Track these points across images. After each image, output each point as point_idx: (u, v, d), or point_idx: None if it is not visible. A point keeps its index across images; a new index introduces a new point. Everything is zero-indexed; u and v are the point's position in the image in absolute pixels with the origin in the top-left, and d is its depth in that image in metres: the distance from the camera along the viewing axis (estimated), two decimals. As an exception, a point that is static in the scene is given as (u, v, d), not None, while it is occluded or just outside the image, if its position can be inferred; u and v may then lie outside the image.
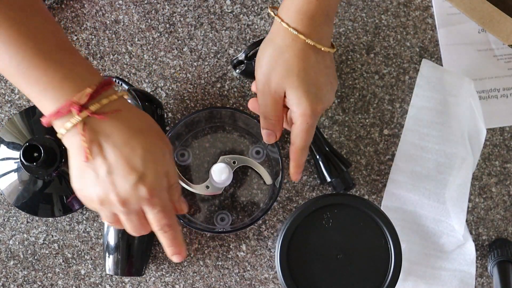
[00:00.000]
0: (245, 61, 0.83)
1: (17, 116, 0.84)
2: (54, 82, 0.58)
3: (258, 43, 0.82)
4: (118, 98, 0.60)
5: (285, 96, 0.71)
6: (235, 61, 0.84)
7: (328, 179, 0.84)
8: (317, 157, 0.84)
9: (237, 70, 0.86)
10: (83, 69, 0.60)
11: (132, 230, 0.65)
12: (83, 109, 0.58)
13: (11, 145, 0.82)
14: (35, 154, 0.77)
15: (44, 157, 0.76)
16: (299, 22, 0.68)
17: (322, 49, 0.69)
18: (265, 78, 0.71)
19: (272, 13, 0.71)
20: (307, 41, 0.68)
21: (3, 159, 0.82)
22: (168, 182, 0.64)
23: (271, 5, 0.88)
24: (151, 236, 0.83)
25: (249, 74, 0.85)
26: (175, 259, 0.66)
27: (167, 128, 0.86)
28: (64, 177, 0.81)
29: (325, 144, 0.84)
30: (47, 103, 0.59)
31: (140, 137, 0.60)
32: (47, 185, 0.81)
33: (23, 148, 0.76)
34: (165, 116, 0.86)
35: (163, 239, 0.65)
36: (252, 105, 0.78)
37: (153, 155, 0.61)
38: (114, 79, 0.84)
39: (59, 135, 0.60)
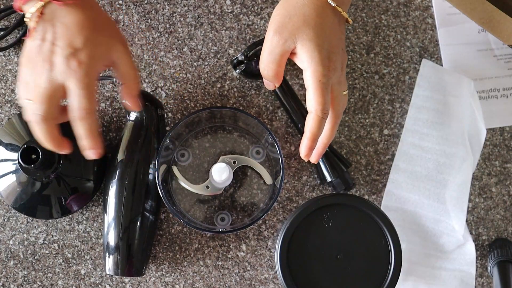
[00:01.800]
0: (245, 61, 0.83)
1: (15, 117, 0.84)
2: None
3: (258, 43, 0.82)
4: None
5: (294, 53, 0.70)
6: (235, 61, 0.84)
7: (328, 179, 0.84)
8: None
9: (237, 70, 0.86)
10: None
11: (41, 106, 0.65)
12: None
13: (9, 147, 0.82)
14: (33, 156, 0.77)
15: (42, 158, 0.76)
16: None
17: (342, 13, 0.70)
18: (279, 26, 0.69)
19: None
20: (328, 1, 0.69)
21: (1, 161, 0.82)
22: (111, 62, 0.68)
23: (271, 5, 0.88)
24: (151, 236, 0.83)
25: (249, 74, 0.85)
26: (90, 154, 0.67)
27: (167, 128, 0.86)
28: (62, 179, 0.81)
29: None
30: None
31: (90, 22, 0.66)
32: (45, 186, 0.81)
33: (21, 150, 0.76)
34: (165, 116, 0.86)
35: (81, 128, 0.66)
36: None
37: (96, 40, 0.66)
38: (114, 80, 0.84)
39: (26, 21, 0.66)
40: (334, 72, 0.69)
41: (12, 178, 0.82)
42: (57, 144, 0.67)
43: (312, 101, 0.68)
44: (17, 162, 0.77)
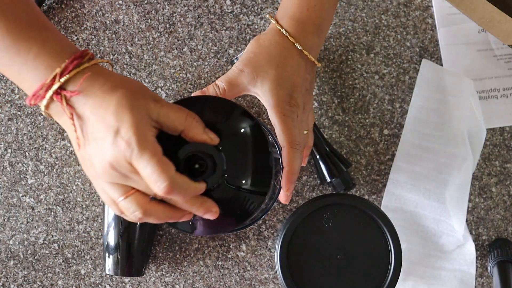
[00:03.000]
0: None
1: None
2: (27, 63, 0.57)
3: None
4: (90, 66, 0.58)
5: (257, 94, 0.71)
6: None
7: (328, 179, 0.84)
8: (317, 157, 0.84)
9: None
10: (56, 44, 0.58)
11: (137, 203, 0.58)
12: (57, 89, 0.56)
13: None
14: (196, 166, 0.64)
15: (211, 168, 0.63)
16: (291, 26, 0.71)
17: (308, 56, 0.72)
18: (246, 63, 0.71)
19: (268, 16, 0.74)
20: (295, 44, 0.71)
21: None
22: (155, 122, 0.58)
23: (271, 5, 0.88)
24: (151, 236, 0.83)
25: None
26: (210, 216, 0.61)
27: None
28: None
29: (325, 144, 0.84)
30: (25, 86, 0.58)
31: (112, 94, 0.57)
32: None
33: (183, 160, 0.63)
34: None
35: (176, 201, 0.58)
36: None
37: (127, 104, 0.56)
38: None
39: (43, 110, 0.58)
40: (297, 108, 0.71)
41: None
42: (203, 200, 0.61)
43: (281, 136, 0.70)
44: None
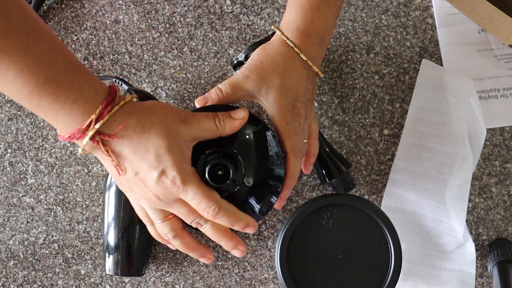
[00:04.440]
0: (245, 62, 0.83)
1: None
2: (65, 108, 0.60)
3: (259, 43, 0.82)
4: (120, 108, 0.62)
5: (261, 101, 0.73)
6: (235, 62, 0.84)
7: (328, 180, 0.84)
8: (317, 157, 0.84)
9: (237, 71, 0.85)
10: (90, 88, 0.61)
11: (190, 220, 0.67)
12: (89, 133, 0.61)
13: None
14: (219, 172, 0.70)
15: (234, 173, 0.69)
16: (296, 38, 0.73)
17: (313, 67, 0.74)
18: (251, 70, 0.73)
19: (274, 28, 0.75)
20: (300, 55, 0.73)
21: None
22: (191, 141, 0.66)
23: (271, 5, 0.88)
24: (151, 236, 0.83)
25: None
26: (237, 253, 0.70)
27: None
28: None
29: (325, 145, 0.84)
30: (61, 126, 0.62)
31: (146, 134, 0.63)
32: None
33: (208, 169, 0.68)
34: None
35: (222, 224, 0.67)
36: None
37: (164, 145, 0.63)
38: (114, 80, 0.84)
39: (80, 153, 0.64)
40: (299, 117, 0.73)
41: None
42: (233, 237, 0.69)
43: (283, 144, 0.73)
44: None
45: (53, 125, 0.63)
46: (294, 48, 0.73)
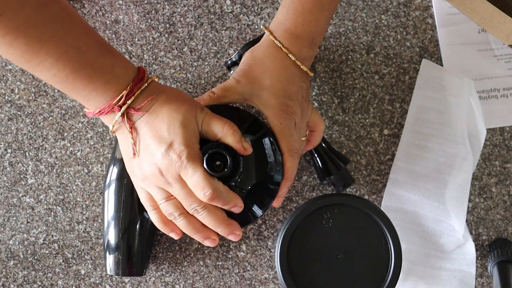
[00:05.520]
0: (239, 61, 0.83)
1: None
2: (98, 88, 0.64)
3: (252, 43, 0.82)
4: (148, 85, 0.66)
5: (248, 100, 0.74)
6: (229, 62, 0.84)
7: (327, 176, 0.84)
8: (315, 155, 0.84)
9: (231, 71, 0.86)
10: (121, 68, 0.65)
11: (190, 200, 0.67)
12: (122, 107, 0.65)
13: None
14: (217, 163, 0.71)
15: (231, 165, 0.70)
16: (285, 39, 0.74)
17: (301, 67, 0.74)
18: (241, 75, 0.74)
19: (263, 27, 0.75)
20: (289, 55, 0.73)
21: None
22: (197, 144, 0.67)
23: (271, 5, 0.88)
24: (151, 236, 0.83)
25: None
26: (232, 238, 0.70)
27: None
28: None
29: (322, 142, 0.84)
30: (91, 105, 0.66)
31: (164, 107, 0.66)
32: None
33: (206, 156, 0.69)
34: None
35: (209, 220, 0.68)
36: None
37: (179, 118, 0.66)
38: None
39: (111, 129, 0.67)
40: (294, 116, 0.74)
41: None
42: (229, 223, 0.70)
43: (279, 144, 0.73)
44: None
45: (83, 104, 0.66)
46: (283, 48, 0.73)
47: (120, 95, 0.65)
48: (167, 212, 0.69)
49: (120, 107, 0.65)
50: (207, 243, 0.71)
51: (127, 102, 0.65)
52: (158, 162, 0.65)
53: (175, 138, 0.65)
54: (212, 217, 0.68)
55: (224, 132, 0.68)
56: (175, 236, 0.72)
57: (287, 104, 0.73)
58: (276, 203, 0.75)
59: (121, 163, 0.80)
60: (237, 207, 0.69)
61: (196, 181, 0.65)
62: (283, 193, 0.75)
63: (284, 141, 0.73)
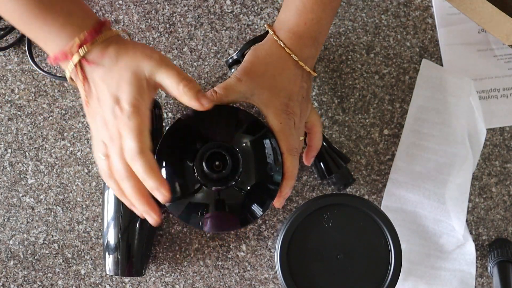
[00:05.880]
0: (241, 60, 0.83)
1: None
2: (53, 31, 0.65)
3: (253, 41, 0.82)
4: (107, 39, 0.66)
5: (254, 102, 0.74)
6: (230, 61, 0.84)
7: (327, 175, 0.84)
8: None
9: (232, 70, 0.85)
10: (79, 16, 0.66)
11: (118, 167, 0.66)
12: (74, 56, 0.65)
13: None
14: (217, 163, 0.71)
15: (230, 165, 0.70)
16: (288, 39, 0.73)
17: (304, 67, 0.74)
18: (243, 73, 0.74)
19: (266, 26, 0.75)
20: (292, 55, 0.73)
21: None
22: (148, 99, 0.67)
23: (271, 5, 0.88)
24: (151, 236, 0.83)
25: None
26: (158, 196, 0.65)
27: (166, 127, 0.86)
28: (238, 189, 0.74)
29: (323, 141, 0.84)
30: (48, 49, 0.67)
31: (117, 64, 0.66)
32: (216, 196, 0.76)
33: (206, 156, 0.70)
34: (165, 116, 0.86)
35: (135, 170, 0.65)
36: None
37: (128, 76, 0.65)
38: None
39: (68, 78, 0.68)
40: (294, 116, 0.74)
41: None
42: (148, 202, 0.66)
43: (279, 143, 0.73)
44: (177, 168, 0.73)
45: (43, 49, 0.67)
46: (286, 48, 0.73)
47: (72, 42, 0.65)
48: (117, 167, 0.66)
49: (73, 55, 0.65)
50: (148, 217, 0.67)
51: (79, 51, 0.65)
52: (106, 116, 0.66)
53: (121, 95, 0.65)
54: (135, 188, 0.66)
55: (179, 91, 0.66)
56: (119, 195, 0.69)
57: (287, 104, 0.73)
58: (278, 203, 0.75)
59: None
60: (161, 192, 0.65)
61: (127, 137, 0.64)
62: (285, 194, 0.75)
63: (283, 140, 0.73)
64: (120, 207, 0.80)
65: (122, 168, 0.65)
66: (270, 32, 0.74)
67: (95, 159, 0.69)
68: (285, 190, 0.74)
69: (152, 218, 0.67)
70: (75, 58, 0.65)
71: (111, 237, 0.80)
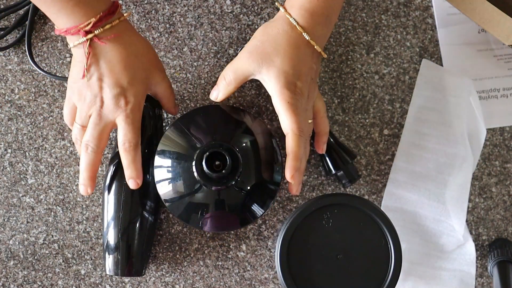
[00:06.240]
0: None
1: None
2: (67, 7, 0.68)
3: None
4: (119, 22, 0.72)
5: (263, 80, 0.74)
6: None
7: (334, 171, 0.84)
8: None
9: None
10: None
11: (92, 138, 0.73)
12: (88, 34, 0.70)
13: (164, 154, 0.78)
14: (217, 163, 0.72)
15: (230, 165, 0.71)
16: (300, 16, 0.72)
17: (315, 47, 0.73)
18: (252, 50, 0.73)
19: (277, 4, 0.74)
20: (303, 34, 0.72)
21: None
22: (144, 100, 0.75)
23: (271, 5, 0.88)
24: (151, 236, 0.83)
25: None
26: (130, 184, 0.74)
27: (166, 127, 0.86)
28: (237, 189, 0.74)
29: (330, 136, 0.84)
30: (59, 22, 0.70)
31: (132, 59, 0.72)
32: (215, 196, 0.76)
33: (206, 156, 0.71)
34: (165, 116, 0.86)
35: (125, 159, 0.73)
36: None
37: (139, 76, 0.73)
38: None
39: (69, 45, 0.72)
40: (301, 97, 0.72)
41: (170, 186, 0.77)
42: (93, 176, 0.74)
43: (285, 122, 0.72)
44: (171, 168, 0.74)
45: (52, 20, 0.71)
46: (297, 26, 0.72)
47: (88, 22, 0.69)
48: (74, 134, 0.75)
49: (86, 32, 0.69)
50: (81, 188, 0.74)
51: (94, 31, 0.70)
52: (105, 98, 0.72)
53: (130, 88, 0.71)
54: (89, 160, 0.73)
55: (164, 105, 0.80)
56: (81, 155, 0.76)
57: (295, 84, 0.72)
58: (293, 189, 0.74)
59: (121, 164, 0.80)
60: (134, 181, 0.74)
61: (128, 130, 0.72)
62: (294, 177, 0.72)
63: (290, 120, 0.71)
64: (120, 207, 0.80)
65: (94, 145, 0.73)
66: (282, 10, 0.73)
67: (68, 123, 0.78)
68: (291, 172, 0.72)
69: (84, 190, 0.74)
70: (89, 36, 0.70)
71: (111, 237, 0.80)
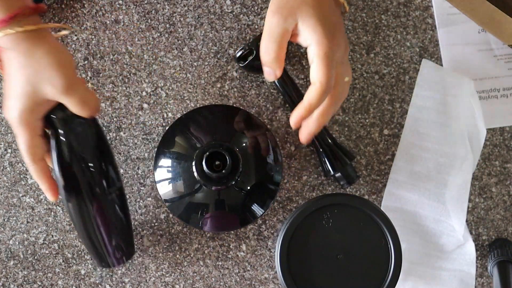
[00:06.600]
0: (254, 50, 0.81)
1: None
2: None
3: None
4: (25, 31, 0.66)
5: (295, 34, 0.69)
6: (242, 52, 0.82)
7: (332, 172, 0.84)
8: (320, 150, 0.84)
9: (240, 64, 0.84)
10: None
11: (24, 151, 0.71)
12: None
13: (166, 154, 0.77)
14: (217, 163, 0.72)
15: (230, 165, 0.70)
16: None
17: (341, 0, 0.70)
18: (278, 7, 0.68)
19: None
20: None
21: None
22: (40, 113, 0.70)
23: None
24: (125, 211, 0.77)
25: (255, 68, 0.84)
26: (48, 197, 0.73)
27: (166, 127, 0.86)
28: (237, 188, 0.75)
29: (328, 137, 0.84)
30: None
31: (18, 76, 0.67)
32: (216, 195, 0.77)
33: (206, 156, 0.70)
34: (165, 116, 0.86)
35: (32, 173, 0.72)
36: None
37: (24, 90, 0.67)
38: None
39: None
40: (338, 48, 0.68)
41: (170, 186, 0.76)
42: (50, 181, 0.72)
43: (316, 72, 0.66)
44: (171, 168, 0.73)
45: None
46: None
47: None
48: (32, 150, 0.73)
49: None
50: (47, 194, 0.73)
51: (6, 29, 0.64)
52: (5, 115, 0.70)
53: (14, 104, 0.68)
54: (35, 173, 0.72)
55: (80, 110, 0.71)
56: (31, 168, 0.74)
57: (333, 34, 0.67)
58: (302, 138, 0.70)
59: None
60: (46, 193, 0.72)
61: (21, 147, 0.70)
62: (296, 123, 0.68)
63: (322, 72, 0.66)
64: (72, 217, 0.75)
65: (26, 158, 0.71)
66: None
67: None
68: (296, 119, 0.67)
69: (49, 195, 0.73)
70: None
71: (82, 237, 0.76)
